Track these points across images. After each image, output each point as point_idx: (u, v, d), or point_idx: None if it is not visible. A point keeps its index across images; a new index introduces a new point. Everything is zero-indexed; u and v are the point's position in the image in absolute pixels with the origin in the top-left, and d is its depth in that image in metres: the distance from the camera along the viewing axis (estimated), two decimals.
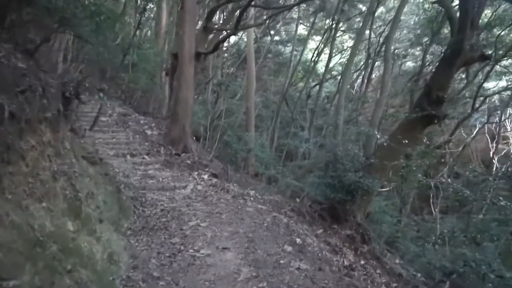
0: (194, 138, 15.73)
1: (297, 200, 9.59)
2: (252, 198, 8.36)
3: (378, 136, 7.40)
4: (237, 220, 6.45)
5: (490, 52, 8.47)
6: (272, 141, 18.11)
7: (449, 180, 8.50)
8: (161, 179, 9.52)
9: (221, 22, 17.98)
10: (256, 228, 5.89)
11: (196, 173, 10.29)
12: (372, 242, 8.17)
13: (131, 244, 4.76)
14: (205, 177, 10.09)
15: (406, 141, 8.15)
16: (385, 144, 7.38)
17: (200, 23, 14.73)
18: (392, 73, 22.90)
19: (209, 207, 7.57)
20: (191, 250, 4.90)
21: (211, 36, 14.44)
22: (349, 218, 8.25)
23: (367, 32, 16.32)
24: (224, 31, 13.66)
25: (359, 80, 22.54)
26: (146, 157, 10.97)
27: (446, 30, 15.01)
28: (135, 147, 11.53)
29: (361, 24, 22.37)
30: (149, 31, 26.37)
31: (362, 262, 7.49)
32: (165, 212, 7.00)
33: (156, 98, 17.95)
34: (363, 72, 20.15)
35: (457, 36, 7.19)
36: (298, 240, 5.61)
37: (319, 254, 5.56)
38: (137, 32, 21.43)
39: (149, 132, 12.78)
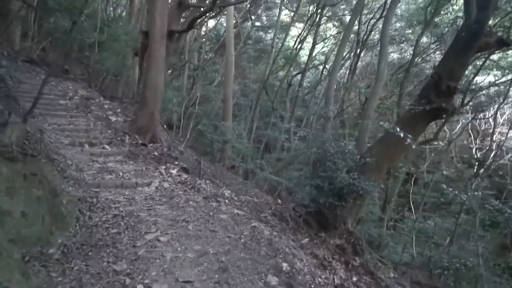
0: (166, 126, 14.13)
1: (278, 200, 8.24)
2: (227, 200, 6.96)
3: (398, 130, 6.05)
4: (207, 232, 5.03)
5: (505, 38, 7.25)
6: (251, 131, 16.70)
7: (478, 193, 7.29)
8: (121, 174, 7.98)
9: None
10: (230, 247, 4.49)
11: (164, 167, 8.79)
12: (365, 253, 6.93)
13: (50, 280, 3.27)
14: (174, 172, 8.60)
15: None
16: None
17: None
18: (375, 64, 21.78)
19: (175, 211, 6.13)
20: (139, 286, 3.45)
21: (186, 13, 12.78)
22: (339, 225, 6.97)
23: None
24: (201, 9, 12.04)
25: (341, 70, 21.26)
26: (107, 146, 9.37)
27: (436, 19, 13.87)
28: (96, 135, 9.89)
29: (346, 12, 21.12)
30: (124, 12, 24.42)
31: (355, 278, 6.25)
32: (118, 219, 5.51)
33: (127, 81, 16.18)
34: (347, 61, 18.90)
35: (477, 15, 5.93)
36: (284, 265, 4.25)
37: (312, 286, 4.22)
38: (110, 9, 19.47)
39: (113, 118, 11.12)
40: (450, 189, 6.91)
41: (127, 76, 15.91)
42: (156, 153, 9.58)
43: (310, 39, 20.90)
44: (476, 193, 10.14)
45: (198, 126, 14.21)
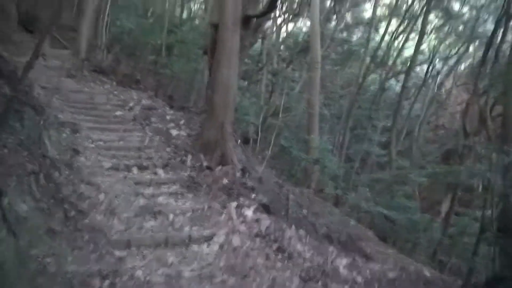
0: (241, 141, 11.09)
1: (426, 273, 4.63)
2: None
3: None
4: None
5: None
6: (341, 147, 13.00)
7: None
8: (171, 218, 4.98)
9: None
10: None
11: (235, 203, 5.60)
12: None
13: None
14: (250, 213, 5.39)
15: None
16: None
17: None
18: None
19: None
20: None
21: None
22: None
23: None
24: None
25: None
26: (160, 171, 6.48)
27: None
28: (150, 155, 7.05)
29: None
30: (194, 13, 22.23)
31: None
32: None
33: (199, 88, 13.63)
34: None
35: None
36: None
37: None
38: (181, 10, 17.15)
39: (174, 132, 8.30)
40: None
41: (199, 82, 13.34)
42: (225, 181, 6.46)
43: (407, 36, 16.73)
44: None
45: (280, 140, 10.98)
